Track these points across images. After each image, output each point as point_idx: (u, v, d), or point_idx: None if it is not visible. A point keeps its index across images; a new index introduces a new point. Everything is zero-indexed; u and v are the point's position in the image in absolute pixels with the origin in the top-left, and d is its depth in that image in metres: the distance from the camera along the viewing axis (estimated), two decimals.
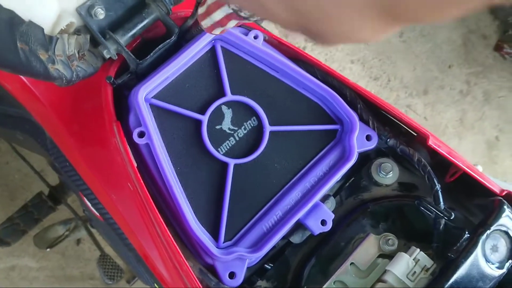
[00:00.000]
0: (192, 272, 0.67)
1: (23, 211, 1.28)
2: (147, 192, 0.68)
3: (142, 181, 0.68)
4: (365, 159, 0.83)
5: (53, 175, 1.50)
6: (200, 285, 0.67)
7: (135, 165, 0.69)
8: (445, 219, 0.72)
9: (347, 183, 0.82)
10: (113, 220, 0.82)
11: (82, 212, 1.76)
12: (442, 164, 0.78)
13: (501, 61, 2.30)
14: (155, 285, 0.94)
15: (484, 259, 0.68)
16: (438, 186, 0.74)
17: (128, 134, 0.70)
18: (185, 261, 0.67)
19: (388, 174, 0.80)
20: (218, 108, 0.74)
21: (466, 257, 0.67)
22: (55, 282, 1.79)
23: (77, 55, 0.67)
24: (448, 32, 2.28)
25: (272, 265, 0.78)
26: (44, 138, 0.88)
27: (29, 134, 0.92)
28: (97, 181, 0.78)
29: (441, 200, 0.73)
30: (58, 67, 0.62)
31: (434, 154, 0.79)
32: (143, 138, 0.70)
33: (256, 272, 0.77)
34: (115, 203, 0.77)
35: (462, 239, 0.69)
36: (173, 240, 0.67)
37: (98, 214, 0.90)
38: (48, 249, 1.56)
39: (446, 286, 0.65)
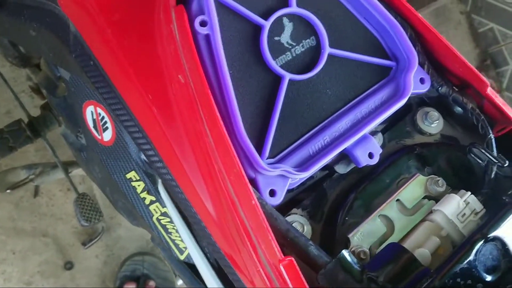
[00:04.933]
0: (243, 175, 0.60)
1: None
2: (206, 81, 0.62)
3: (201, 67, 0.62)
4: (407, 108, 0.80)
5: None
6: (252, 192, 0.60)
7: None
8: (498, 165, 0.70)
9: (391, 127, 0.79)
10: (140, 134, 0.73)
11: (47, 159, 1.62)
12: (488, 120, 0.77)
13: None
14: (153, 220, 0.86)
15: None
16: (492, 135, 0.72)
17: None
18: (239, 162, 0.61)
19: (433, 123, 0.78)
20: (280, 18, 0.70)
21: None
22: (2, 233, 1.63)
23: None
24: None
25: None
26: (67, 32, 0.79)
27: (48, 28, 0.82)
28: (132, 76, 0.70)
29: (494, 147, 0.71)
30: None
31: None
32: (205, 27, 0.64)
33: (290, 201, 0.72)
34: (149, 104, 0.70)
35: None
36: (227, 137, 0.61)
37: (112, 131, 0.80)
38: (8, 191, 1.42)
39: (501, 225, 0.63)
